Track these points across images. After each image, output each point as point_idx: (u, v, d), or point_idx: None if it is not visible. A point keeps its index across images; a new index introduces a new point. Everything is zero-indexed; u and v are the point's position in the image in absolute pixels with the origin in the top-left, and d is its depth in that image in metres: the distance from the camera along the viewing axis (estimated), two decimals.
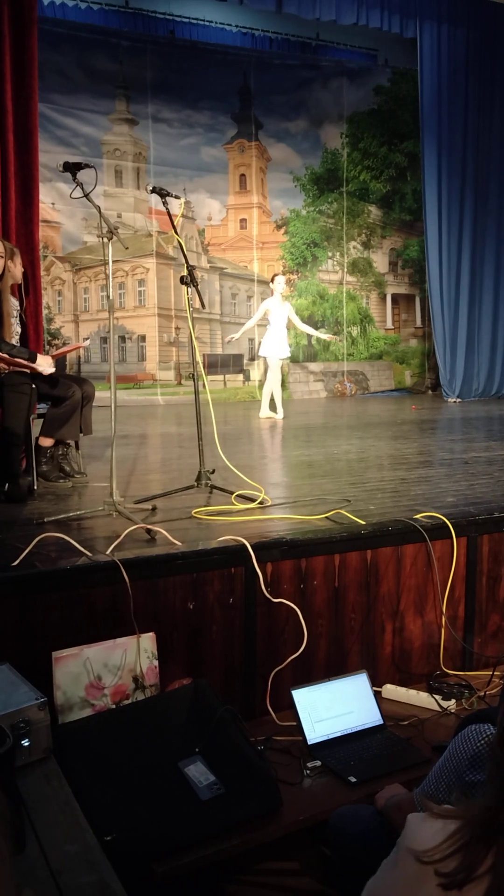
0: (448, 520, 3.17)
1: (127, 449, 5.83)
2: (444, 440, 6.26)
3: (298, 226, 10.70)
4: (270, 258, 10.64)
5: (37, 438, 4.02)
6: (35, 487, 3.94)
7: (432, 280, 9.91)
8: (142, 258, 9.81)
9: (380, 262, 11.24)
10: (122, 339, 9.90)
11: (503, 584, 3.34)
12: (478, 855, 1.12)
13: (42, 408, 4.14)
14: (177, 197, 3.76)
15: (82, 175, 3.31)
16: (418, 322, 11.41)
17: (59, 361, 9.28)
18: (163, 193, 3.71)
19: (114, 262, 9.85)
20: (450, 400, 10.00)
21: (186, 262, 3.77)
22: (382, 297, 11.32)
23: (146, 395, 9.89)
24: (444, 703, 2.86)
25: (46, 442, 4.02)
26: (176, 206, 3.80)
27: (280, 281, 7.75)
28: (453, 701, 2.87)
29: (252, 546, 2.79)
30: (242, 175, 10.40)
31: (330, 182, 10.80)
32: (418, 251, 10.89)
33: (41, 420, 4.10)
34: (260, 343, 8.10)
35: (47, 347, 6.31)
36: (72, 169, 3.24)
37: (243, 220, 10.46)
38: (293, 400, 10.54)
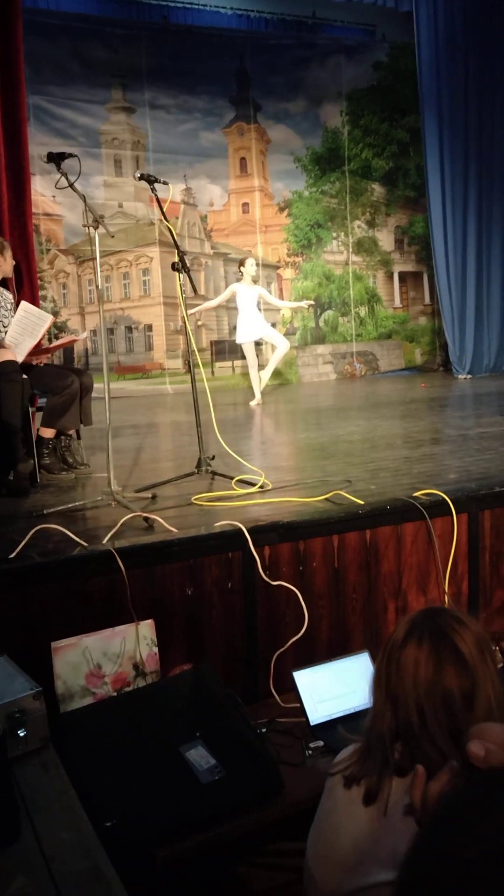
0: (448, 496, 3.14)
1: (133, 439, 5.84)
2: (452, 417, 6.22)
3: (301, 207, 10.62)
4: (274, 241, 10.57)
5: (38, 430, 4.03)
6: (38, 480, 3.97)
7: (438, 256, 9.80)
8: (145, 247, 9.78)
9: (385, 240, 11.14)
10: (129, 329, 9.90)
11: None
12: (366, 758, 1.38)
13: (44, 401, 4.15)
14: (165, 183, 3.74)
15: (70, 165, 3.30)
16: (427, 299, 11.30)
17: (67, 353, 9.33)
18: (151, 180, 3.69)
19: (117, 251, 9.81)
20: (460, 376, 9.91)
21: (178, 248, 3.75)
22: (389, 276, 11.22)
23: (155, 384, 9.89)
24: None
25: (47, 433, 4.03)
26: (165, 193, 3.77)
27: (250, 264, 7.75)
28: None
29: (248, 530, 2.79)
30: (243, 158, 10.33)
31: (331, 161, 10.69)
32: (424, 227, 10.77)
33: (42, 413, 4.12)
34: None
35: (49, 341, 6.32)
36: (56, 159, 3.23)
37: (245, 205, 10.39)
38: (302, 383, 10.50)
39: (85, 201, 3.17)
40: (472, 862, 0.59)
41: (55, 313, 9.33)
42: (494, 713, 1.35)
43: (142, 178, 3.73)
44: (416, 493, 3.17)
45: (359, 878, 1.35)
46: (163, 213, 3.67)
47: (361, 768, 1.40)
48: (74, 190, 3.18)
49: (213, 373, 10.14)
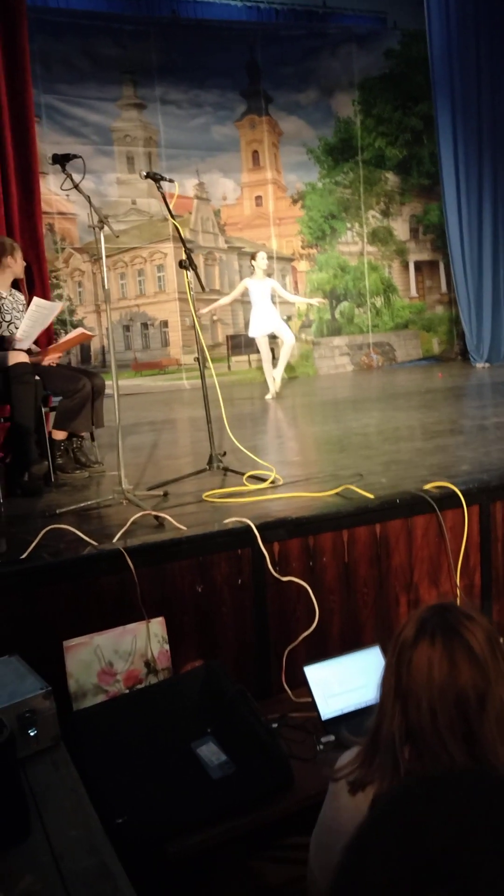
0: (458, 488, 3.13)
1: (149, 435, 5.87)
2: (468, 407, 6.18)
3: (315, 199, 10.57)
4: (288, 234, 10.54)
5: (50, 432, 4.07)
6: (53, 479, 4.00)
7: (453, 244, 9.72)
8: (159, 243, 9.80)
9: (400, 229, 11.06)
10: (145, 325, 9.93)
11: None
12: (372, 762, 1.37)
13: (58, 400, 4.19)
14: (171, 181, 3.74)
15: (77, 165, 3.32)
16: (443, 288, 11.21)
17: (84, 351, 9.39)
18: (157, 178, 3.70)
19: (132, 248, 9.83)
20: (478, 365, 9.83)
21: (184, 245, 3.76)
22: (405, 265, 11.15)
23: (171, 380, 9.91)
24: None
25: (59, 435, 4.06)
26: (171, 190, 3.77)
27: (261, 258, 7.76)
28: None
29: (257, 526, 2.80)
30: (255, 151, 10.30)
31: (344, 152, 10.63)
32: (439, 216, 10.67)
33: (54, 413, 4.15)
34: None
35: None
36: (61, 161, 3.25)
37: (258, 198, 10.37)
38: (319, 376, 10.48)
39: (90, 202, 3.19)
40: (408, 864, 0.59)
41: (71, 311, 9.40)
42: None
43: (148, 176, 3.74)
44: (427, 486, 3.15)
45: None
46: (169, 211, 3.67)
47: (368, 773, 1.37)
48: (80, 191, 3.20)
49: (229, 367, 10.16)
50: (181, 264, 3.73)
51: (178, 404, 8.41)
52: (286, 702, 2.78)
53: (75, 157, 3.26)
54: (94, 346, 9.50)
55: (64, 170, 3.23)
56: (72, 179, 3.20)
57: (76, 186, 3.18)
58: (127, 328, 9.84)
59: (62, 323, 9.25)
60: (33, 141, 4.52)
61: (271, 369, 7.73)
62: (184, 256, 3.72)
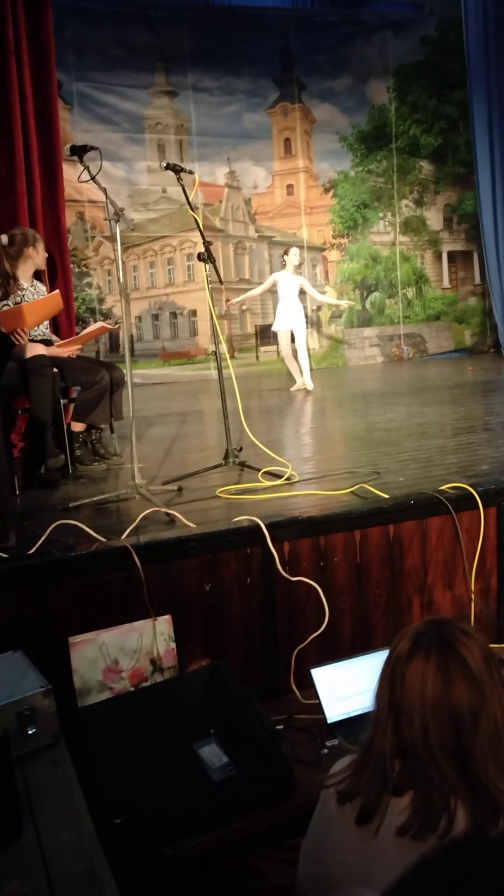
0: (475, 490, 3.07)
1: (172, 427, 5.87)
2: (496, 403, 6.06)
3: (347, 188, 10.44)
4: (319, 223, 10.43)
5: (69, 423, 4.07)
6: (70, 471, 4.01)
7: (487, 234, 9.56)
8: (189, 232, 9.75)
9: (434, 219, 10.88)
10: (174, 314, 9.92)
11: None
12: (362, 774, 1.35)
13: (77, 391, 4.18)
14: (191, 172, 3.71)
15: (91, 159, 3.29)
16: (477, 279, 11.02)
17: (113, 340, 9.40)
18: (177, 169, 3.67)
19: (161, 237, 9.81)
20: None
21: (203, 238, 3.72)
22: (438, 256, 10.98)
23: (200, 369, 9.89)
24: None
25: (78, 427, 4.06)
26: (190, 182, 3.74)
27: (294, 253, 7.71)
28: None
29: (266, 526, 2.76)
30: (287, 139, 10.20)
31: (378, 140, 10.47)
32: (473, 205, 10.48)
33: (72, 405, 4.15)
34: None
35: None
36: (78, 152, 3.23)
37: (290, 186, 10.27)
38: (348, 367, 10.39)
39: (106, 194, 3.17)
40: None
41: (101, 300, 9.41)
42: (501, 731, 1.30)
43: (168, 167, 3.71)
44: (443, 487, 3.09)
45: None
46: (189, 203, 3.63)
47: (357, 784, 1.36)
48: (96, 183, 3.17)
49: (257, 357, 10.12)
50: (199, 257, 3.69)
51: (205, 395, 8.39)
52: (294, 703, 2.76)
53: (93, 148, 3.23)
54: (123, 335, 9.50)
55: (81, 161, 3.21)
56: (89, 171, 3.17)
57: (93, 178, 3.16)
58: (156, 317, 9.84)
59: (91, 311, 9.29)
60: (57, 131, 4.51)
61: (294, 362, 7.71)
62: (203, 249, 3.68)
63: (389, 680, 1.35)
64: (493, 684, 1.31)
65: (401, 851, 1.26)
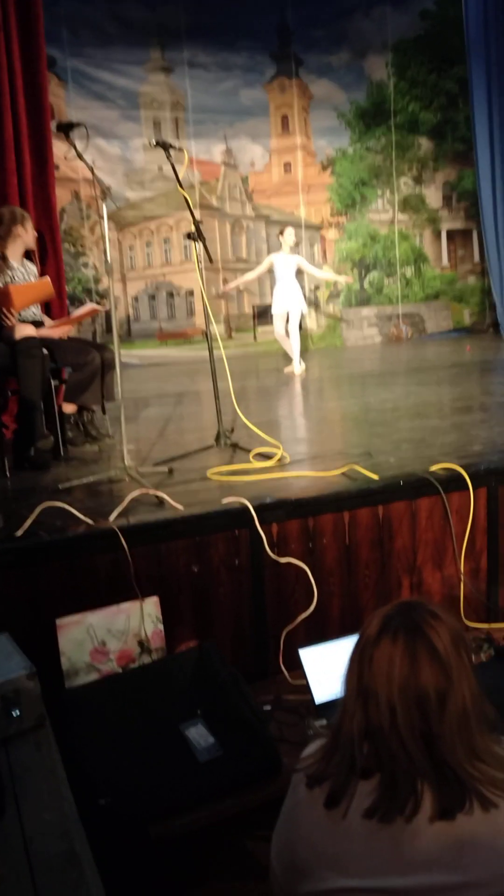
0: (466, 470, 3.05)
1: (166, 408, 5.85)
2: (492, 383, 6.04)
3: (345, 165, 10.34)
4: (317, 201, 10.33)
5: (60, 405, 4.05)
6: (62, 453, 3.99)
7: (486, 212, 9.47)
8: (185, 211, 9.65)
9: (433, 197, 10.78)
10: (171, 295, 9.86)
11: None
12: (331, 758, 1.34)
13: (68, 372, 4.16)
14: (180, 149, 3.67)
15: (79, 135, 3.25)
16: (476, 258, 10.92)
17: (109, 321, 9.34)
18: (166, 146, 3.62)
19: (158, 216, 9.73)
20: None
21: (193, 217, 3.68)
22: (437, 234, 10.88)
23: (197, 350, 9.83)
24: None
25: (69, 408, 4.05)
26: (181, 160, 3.69)
27: (289, 233, 7.66)
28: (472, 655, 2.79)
29: (255, 507, 2.75)
30: (284, 116, 10.08)
31: (377, 116, 10.35)
32: (473, 182, 10.36)
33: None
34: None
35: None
36: (65, 129, 3.19)
37: (287, 164, 10.17)
38: (346, 347, 10.34)
39: (93, 172, 3.13)
40: None
41: (97, 280, 9.35)
42: (469, 714, 1.30)
43: (157, 144, 3.66)
44: (433, 468, 3.08)
45: (315, 883, 1.32)
46: (178, 181, 3.59)
47: (326, 768, 1.36)
48: (83, 160, 3.14)
49: (255, 337, 10.07)
50: (189, 236, 3.66)
51: (202, 375, 8.30)
52: (282, 683, 2.76)
53: (79, 124, 3.19)
54: (120, 315, 9.46)
55: (68, 138, 3.17)
56: (75, 148, 3.13)
57: (80, 156, 3.12)
58: (152, 297, 9.79)
59: (87, 292, 9.24)
60: (46, 109, 4.44)
61: (288, 344, 7.67)
62: (192, 228, 3.64)
63: (358, 663, 1.35)
64: (461, 667, 1.30)
65: (368, 834, 1.26)
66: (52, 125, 3.36)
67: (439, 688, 1.28)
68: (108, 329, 9.37)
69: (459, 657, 1.31)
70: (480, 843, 1.22)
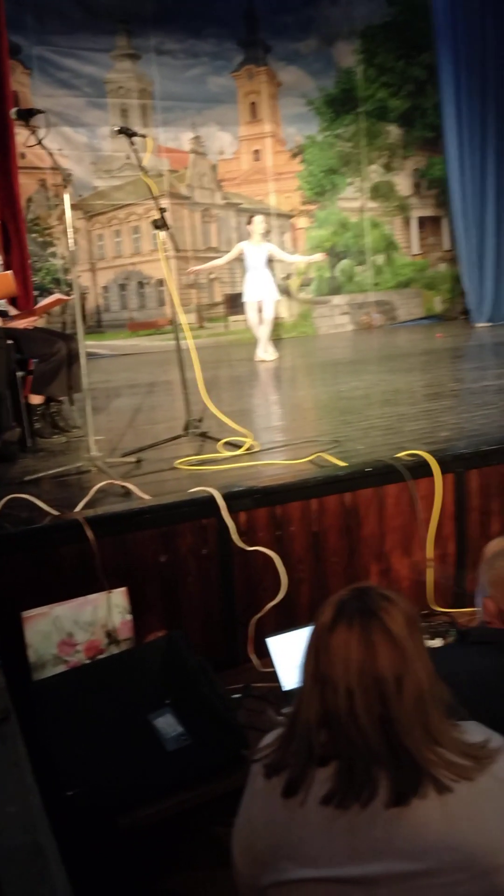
0: (433, 456, 3.07)
1: (136, 398, 5.81)
2: (461, 369, 6.08)
3: (315, 153, 10.30)
4: (287, 189, 10.29)
5: (27, 396, 4.01)
6: (28, 444, 3.96)
7: (454, 199, 9.50)
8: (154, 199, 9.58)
9: (402, 184, 10.78)
10: (141, 284, 9.78)
11: (496, 519, 3.24)
12: (289, 747, 1.34)
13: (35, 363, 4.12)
14: (143, 136, 3.63)
15: (40, 122, 3.21)
16: (446, 245, 10.95)
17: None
18: (129, 133, 3.59)
19: (127, 204, 9.62)
20: (479, 325, 9.67)
21: (157, 203, 3.64)
22: (407, 222, 10.88)
23: (169, 340, 9.77)
24: (429, 643, 2.80)
25: (36, 399, 4.01)
26: (144, 146, 3.65)
27: (258, 221, 7.61)
28: (438, 639, 2.81)
29: (222, 496, 2.75)
30: (253, 103, 10.01)
31: (346, 103, 10.31)
32: (442, 169, 10.37)
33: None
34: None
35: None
36: (24, 116, 3.14)
37: (257, 152, 10.11)
38: (318, 335, 10.34)
39: (54, 159, 3.09)
40: None
41: (66, 270, 9.25)
42: (425, 695, 1.31)
43: (120, 131, 3.63)
44: (400, 454, 3.09)
45: (275, 874, 1.32)
46: (141, 168, 3.56)
47: (284, 757, 1.36)
48: (43, 147, 3.09)
49: (226, 326, 10.03)
50: (155, 224, 3.63)
51: (174, 365, 8.29)
52: (252, 671, 2.77)
53: (39, 111, 3.15)
54: (90, 306, 9.38)
55: (28, 125, 3.13)
56: (35, 135, 3.09)
57: (40, 143, 3.08)
58: (123, 287, 9.70)
59: (56, 282, 9.14)
60: (8, 96, 4.40)
61: (261, 332, 7.64)
62: (158, 216, 3.61)
63: (314, 650, 1.35)
64: (415, 648, 1.32)
65: (325, 822, 1.26)
66: (12, 112, 3.29)
67: (396, 670, 1.29)
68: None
69: (414, 639, 1.32)
70: (436, 830, 1.22)
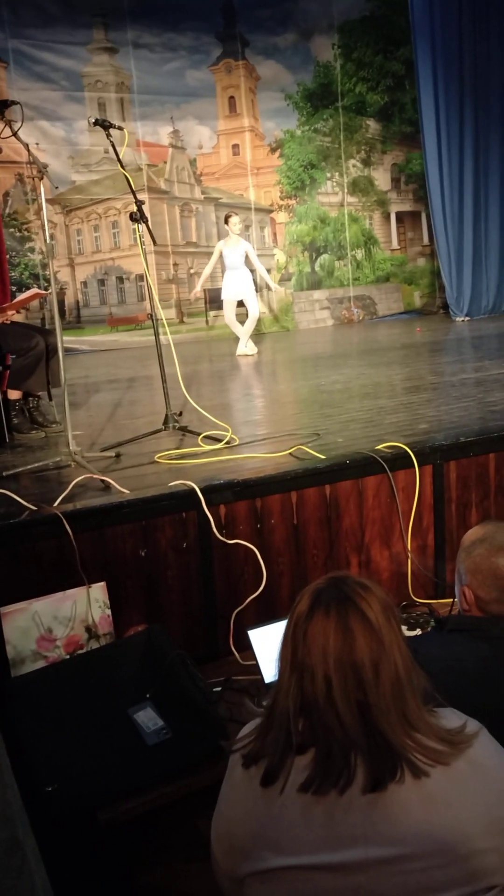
0: (411, 448, 3.08)
1: (116, 393, 5.79)
2: (440, 363, 6.10)
3: (294, 147, 10.29)
4: (266, 184, 10.29)
5: (4, 391, 3.98)
6: (7, 440, 3.93)
7: (433, 194, 9.53)
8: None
9: (381, 179, 10.81)
10: (120, 279, 9.74)
11: (474, 510, 3.26)
12: (267, 736, 1.34)
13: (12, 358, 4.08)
14: (119, 128, 3.61)
15: (15, 114, 3.18)
16: (425, 240, 11.01)
17: (59, 306, 9.20)
18: (105, 125, 3.57)
19: (105, 199, 9.58)
20: (458, 319, 9.72)
21: (135, 197, 3.63)
22: (386, 216, 10.92)
23: (149, 335, 9.71)
24: (409, 633, 2.82)
25: (14, 394, 3.98)
26: (121, 139, 3.63)
27: (235, 221, 7.67)
28: (418, 630, 2.83)
29: (201, 489, 2.74)
30: (231, 97, 9.98)
31: (324, 98, 10.32)
32: (421, 164, 10.40)
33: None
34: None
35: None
36: None
37: (235, 146, 10.09)
38: (299, 330, 10.34)
39: (29, 151, 3.06)
40: None
41: (44, 266, 9.17)
42: (402, 680, 1.31)
43: (97, 123, 3.61)
44: (379, 447, 3.10)
45: (254, 863, 1.32)
46: (119, 161, 3.54)
47: (262, 746, 1.36)
48: (18, 139, 3.06)
49: (207, 322, 10.00)
50: (132, 217, 3.61)
51: (153, 360, 8.26)
52: (233, 664, 2.76)
53: (14, 103, 3.12)
54: (69, 301, 9.33)
55: (2, 117, 3.09)
56: (11, 127, 3.06)
57: (15, 134, 3.05)
58: (102, 282, 9.65)
59: (34, 277, 9.07)
60: None
61: (239, 328, 7.66)
62: (135, 209, 3.59)
63: (292, 639, 1.36)
64: (392, 634, 1.33)
65: (303, 809, 1.27)
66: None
67: (373, 657, 1.30)
68: (60, 314, 9.23)
69: (391, 626, 1.33)
70: (412, 814, 1.23)
